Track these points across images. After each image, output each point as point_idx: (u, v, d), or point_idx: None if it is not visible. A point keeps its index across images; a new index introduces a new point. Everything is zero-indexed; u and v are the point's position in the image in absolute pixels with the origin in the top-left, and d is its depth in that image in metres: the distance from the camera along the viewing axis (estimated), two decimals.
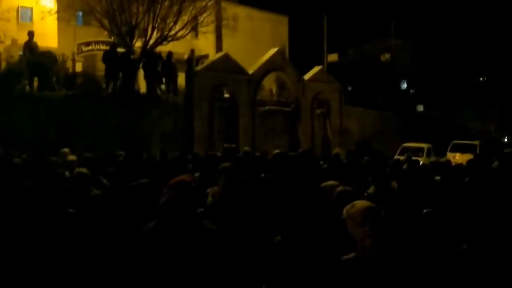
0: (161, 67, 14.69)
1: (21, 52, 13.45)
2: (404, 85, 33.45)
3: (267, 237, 3.62)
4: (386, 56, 28.07)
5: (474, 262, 3.75)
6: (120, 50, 14.41)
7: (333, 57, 24.11)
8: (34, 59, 12.68)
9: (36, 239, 3.50)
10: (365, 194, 5.08)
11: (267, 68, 16.19)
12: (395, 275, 2.72)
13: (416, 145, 18.32)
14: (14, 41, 15.29)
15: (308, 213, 3.56)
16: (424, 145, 18.34)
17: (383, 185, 5.28)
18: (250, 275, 3.77)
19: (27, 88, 12.67)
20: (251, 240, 4.05)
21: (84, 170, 5.07)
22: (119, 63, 13.72)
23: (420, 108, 31.72)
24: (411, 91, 33.40)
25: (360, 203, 2.91)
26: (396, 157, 13.57)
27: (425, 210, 4.18)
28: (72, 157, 7.15)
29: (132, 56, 14.34)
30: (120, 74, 13.98)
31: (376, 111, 21.63)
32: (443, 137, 20.20)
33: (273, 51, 16.57)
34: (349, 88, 26.26)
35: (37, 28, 13.52)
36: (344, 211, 2.90)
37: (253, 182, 5.38)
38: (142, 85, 15.05)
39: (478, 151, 17.76)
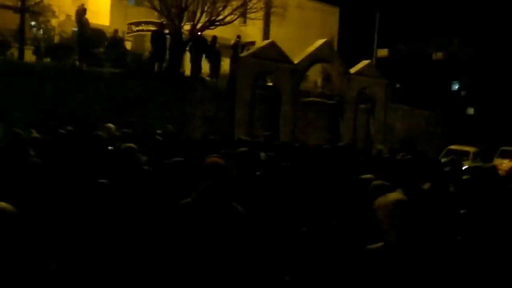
0: (205, 51, 14.79)
1: (73, 28, 13.84)
2: (456, 86, 32.34)
3: (292, 226, 3.61)
4: (438, 55, 27.17)
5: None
6: (168, 32, 14.62)
7: (383, 52, 23.53)
8: (85, 35, 13.04)
9: (68, 204, 3.61)
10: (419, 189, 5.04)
11: (313, 59, 15.99)
12: (418, 268, 2.71)
13: (462, 148, 17.67)
14: (68, 16, 15.74)
15: (336, 204, 3.54)
16: (471, 149, 17.66)
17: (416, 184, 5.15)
18: (273, 264, 3.77)
19: (77, 63, 13.05)
20: (275, 228, 4.04)
21: (132, 145, 5.18)
22: (165, 44, 13.91)
23: (471, 111, 30.56)
24: (462, 92, 32.25)
25: (393, 195, 2.91)
26: (440, 159, 13.13)
27: (461, 211, 4.06)
28: (117, 133, 7.37)
29: (179, 39, 14.49)
30: (167, 56, 14.20)
31: (423, 111, 21.02)
32: (492, 143, 19.42)
33: (320, 41, 16.33)
34: (397, 86, 25.59)
35: (90, 6, 13.87)
36: (376, 201, 2.90)
37: (286, 170, 5.33)
38: (187, 68, 15.21)
39: None
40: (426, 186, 5.18)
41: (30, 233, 2.75)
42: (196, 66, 14.71)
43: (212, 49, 15.02)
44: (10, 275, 2.49)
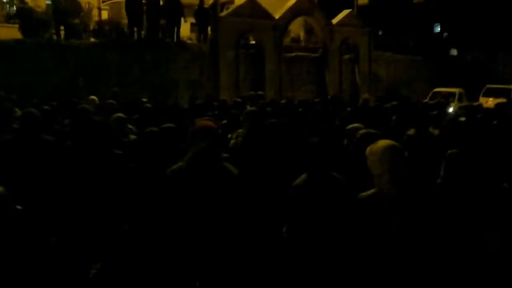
0: (182, 14, 14.55)
1: (47, 1, 13.46)
2: (438, 29, 32.16)
3: (288, 180, 3.65)
4: None
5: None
6: None
7: (363, 0, 23.14)
8: (60, 7, 12.70)
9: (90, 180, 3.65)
10: (405, 136, 5.13)
11: (294, 13, 15.75)
12: (408, 212, 2.77)
13: (447, 90, 17.84)
14: None
15: (329, 156, 3.57)
16: (456, 90, 17.85)
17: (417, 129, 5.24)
18: (270, 218, 3.85)
19: (54, 36, 12.77)
20: (272, 183, 4.09)
21: (121, 114, 5.21)
22: (142, 10, 13.61)
23: (454, 52, 30.51)
24: (445, 34, 32.11)
25: (383, 141, 2.92)
26: (427, 102, 13.25)
27: (449, 151, 4.13)
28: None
29: (155, 3, 14.16)
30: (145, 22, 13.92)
31: (407, 56, 20.94)
32: (477, 82, 19.56)
33: None
34: (380, 33, 25.35)
35: None
36: (367, 149, 2.93)
37: (275, 127, 5.35)
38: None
39: None
40: (411, 132, 5.27)
41: (24, 210, 2.80)
42: (171, 30, 14.45)
43: (202, 12, 14.81)
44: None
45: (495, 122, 6.03)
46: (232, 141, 4.81)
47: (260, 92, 11.12)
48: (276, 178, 4.13)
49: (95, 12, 16.47)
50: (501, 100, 12.77)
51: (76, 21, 13.67)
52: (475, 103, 12.59)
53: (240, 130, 4.99)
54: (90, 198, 3.67)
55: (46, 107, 6.63)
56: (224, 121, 6.22)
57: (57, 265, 3.00)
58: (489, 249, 3.43)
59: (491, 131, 5.41)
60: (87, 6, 15.01)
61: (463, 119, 6.44)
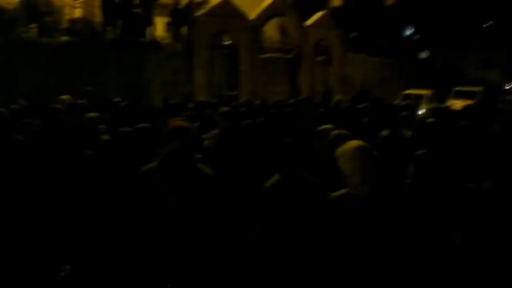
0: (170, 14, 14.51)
1: None
2: (409, 31, 32.70)
3: (262, 180, 3.68)
4: (390, 0, 27.21)
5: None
6: None
7: (337, 1, 23.35)
8: (32, 4, 12.47)
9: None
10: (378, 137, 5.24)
11: (268, 13, 15.85)
12: (379, 212, 2.84)
13: (417, 92, 18.25)
14: None
15: (299, 157, 3.62)
16: (426, 92, 18.27)
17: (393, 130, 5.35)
18: (244, 218, 3.88)
19: (26, 34, 12.51)
20: (246, 184, 4.13)
21: (94, 114, 5.18)
22: (117, 8, 13.48)
23: (424, 55, 31.11)
24: (416, 37, 32.70)
25: (353, 142, 3.01)
26: (398, 104, 13.51)
27: (418, 152, 4.25)
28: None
29: (129, 2, 14.04)
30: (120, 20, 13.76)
31: (379, 58, 21.30)
32: (447, 84, 20.04)
33: None
34: (353, 34, 25.61)
35: None
36: (338, 150, 3.00)
37: (250, 128, 5.40)
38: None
39: (480, 98, 17.74)
40: (385, 133, 5.39)
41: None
42: (144, 29, 14.34)
43: (177, 11, 14.74)
44: None
45: (462, 123, 6.21)
46: (206, 142, 4.84)
47: (234, 93, 11.18)
48: (250, 179, 4.16)
49: (68, 10, 16.20)
50: (469, 102, 13.15)
51: (49, 18, 13.44)
52: (443, 105, 12.92)
53: (214, 131, 5.04)
54: (61, 199, 3.63)
55: (15, 106, 6.53)
56: (198, 123, 6.23)
57: (26, 267, 2.98)
58: (453, 247, 3.55)
59: (459, 132, 5.57)
60: (59, 4, 14.75)
61: (431, 120, 6.61)
